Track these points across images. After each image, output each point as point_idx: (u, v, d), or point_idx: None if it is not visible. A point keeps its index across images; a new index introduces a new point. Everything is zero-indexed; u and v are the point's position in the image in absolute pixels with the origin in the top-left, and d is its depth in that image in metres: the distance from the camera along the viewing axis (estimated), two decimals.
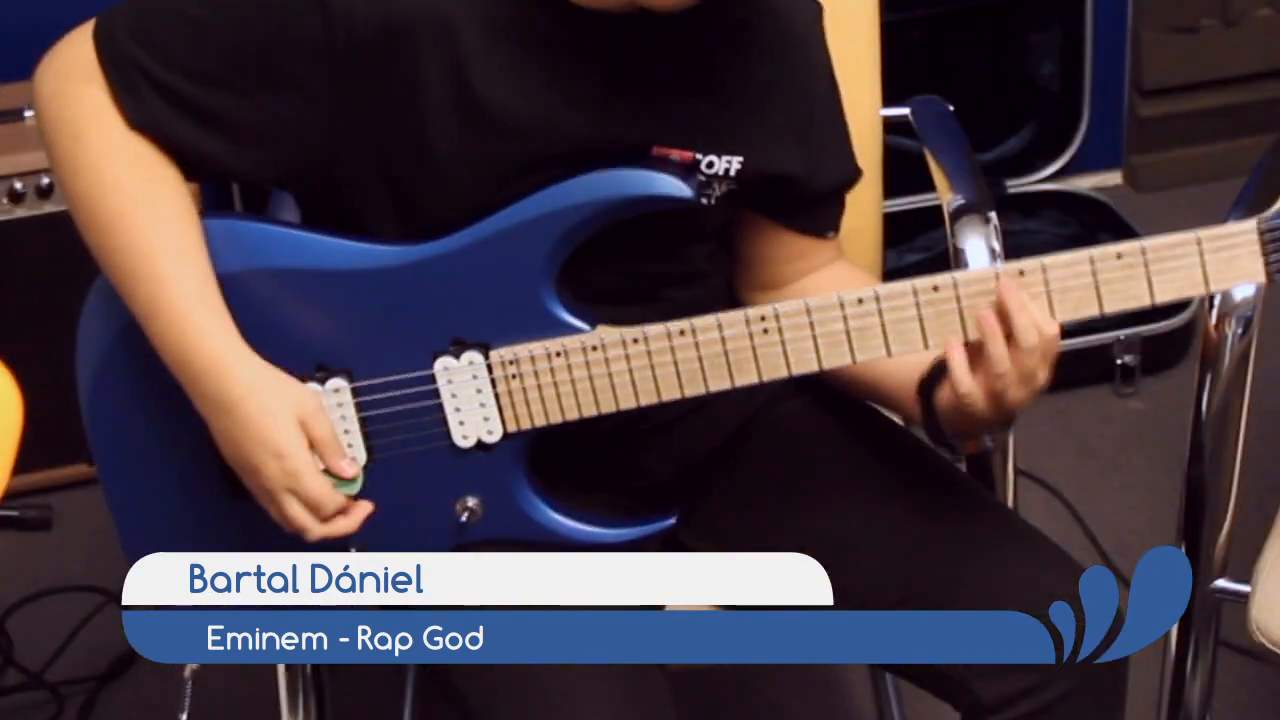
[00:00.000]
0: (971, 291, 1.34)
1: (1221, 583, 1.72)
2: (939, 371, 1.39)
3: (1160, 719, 1.81)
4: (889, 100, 1.86)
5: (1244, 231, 1.32)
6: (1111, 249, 1.32)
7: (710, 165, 1.44)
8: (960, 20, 3.03)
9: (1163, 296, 1.34)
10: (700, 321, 1.38)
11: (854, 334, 1.36)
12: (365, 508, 1.39)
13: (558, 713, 1.35)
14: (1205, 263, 1.32)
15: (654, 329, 1.39)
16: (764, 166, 1.46)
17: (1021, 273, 1.33)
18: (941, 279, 1.34)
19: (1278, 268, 1.32)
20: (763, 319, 1.38)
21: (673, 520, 1.50)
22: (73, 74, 1.38)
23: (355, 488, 1.39)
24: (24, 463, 1.42)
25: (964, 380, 1.34)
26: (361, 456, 1.44)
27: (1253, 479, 1.87)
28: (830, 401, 1.58)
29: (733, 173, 1.45)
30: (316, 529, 1.37)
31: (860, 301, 1.36)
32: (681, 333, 1.39)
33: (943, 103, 1.92)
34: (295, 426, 1.35)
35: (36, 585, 2.42)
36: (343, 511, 1.38)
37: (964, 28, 3.04)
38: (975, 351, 1.34)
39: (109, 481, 1.50)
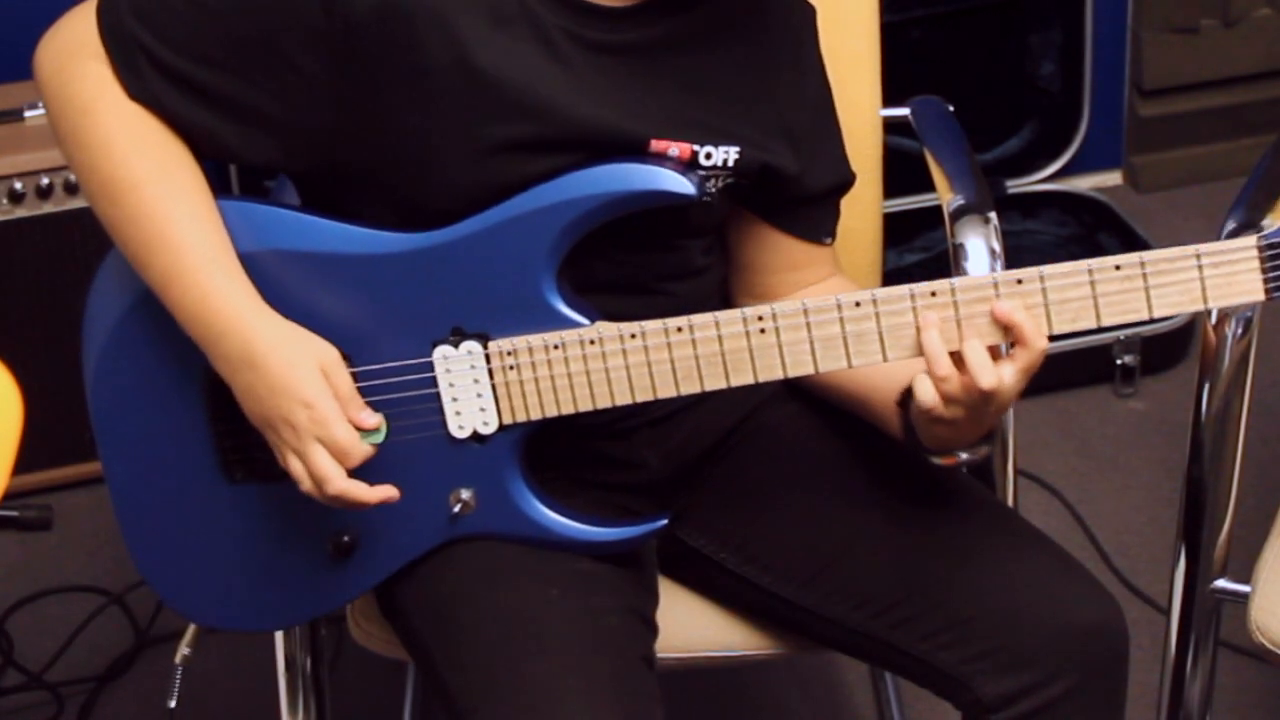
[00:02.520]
0: (969, 299, 1.34)
1: (1221, 583, 1.72)
2: None
3: (1160, 719, 1.81)
4: (889, 100, 1.86)
5: (1243, 248, 1.31)
6: (1110, 260, 1.32)
7: (709, 156, 1.44)
8: (960, 20, 3.03)
9: (1160, 311, 1.33)
10: (698, 319, 1.39)
11: (850, 337, 1.36)
12: (389, 490, 1.39)
13: (540, 713, 1.35)
14: (1204, 278, 1.32)
15: (652, 325, 1.39)
16: (760, 157, 1.47)
17: (1019, 281, 1.33)
18: (940, 285, 1.34)
19: (1276, 285, 1.31)
20: (760, 319, 1.38)
21: (664, 521, 1.50)
22: (76, 50, 1.38)
23: (379, 437, 1.40)
24: (24, 463, 1.42)
25: (927, 395, 1.34)
26: None
27: (1253, 479, 1.87)
28: (829, 404, 1.58)
29: (730, 163, 1.45)
30: (338, 481, 1.36)
31: (858, 304, 1.36)
32: (679, 330, 1.39)
33: (942, 103, 1.91)
34: (320, 376, 1.36)
35: (36, 585, 2.42)
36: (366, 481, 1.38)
37: (964, 28, 3.04)
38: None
39: (111, 465, 1.50)
